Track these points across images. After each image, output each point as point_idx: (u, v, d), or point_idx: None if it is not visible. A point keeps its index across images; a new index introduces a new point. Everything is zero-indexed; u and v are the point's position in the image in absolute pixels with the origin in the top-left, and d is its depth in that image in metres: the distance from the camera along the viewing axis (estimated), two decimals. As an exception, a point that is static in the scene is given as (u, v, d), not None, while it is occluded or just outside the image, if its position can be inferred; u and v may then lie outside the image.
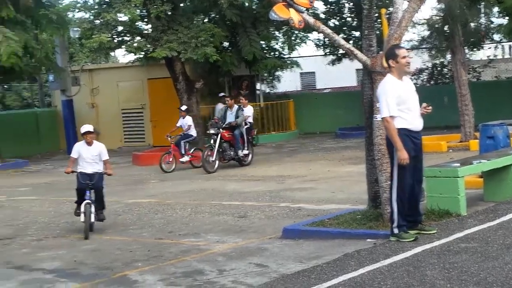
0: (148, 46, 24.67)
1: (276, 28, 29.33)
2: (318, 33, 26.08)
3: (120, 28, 25.33)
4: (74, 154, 13.20)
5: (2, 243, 12.66)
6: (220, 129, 21.60)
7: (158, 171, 21.89)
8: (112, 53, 37.20)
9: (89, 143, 13.10)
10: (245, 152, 22.17)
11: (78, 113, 31.83)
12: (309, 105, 33.05)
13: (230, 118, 22.12)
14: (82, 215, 12.67)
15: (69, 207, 16.06)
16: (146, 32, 25.63)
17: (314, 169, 20.10)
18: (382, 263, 8.55)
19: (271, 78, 33.94)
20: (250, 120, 22.96)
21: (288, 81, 39.49)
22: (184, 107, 23.46)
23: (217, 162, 21.33)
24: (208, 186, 18.40)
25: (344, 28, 31.28)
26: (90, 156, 13.06)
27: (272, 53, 31.62)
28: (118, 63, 39.83)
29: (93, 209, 12.81)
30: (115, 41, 25.22)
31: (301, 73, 46.38)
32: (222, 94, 29.09)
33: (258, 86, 31.58)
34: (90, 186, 12.95)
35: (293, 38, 31.26)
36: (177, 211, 14.73)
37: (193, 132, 22.99)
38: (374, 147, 10.71)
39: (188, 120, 22.98)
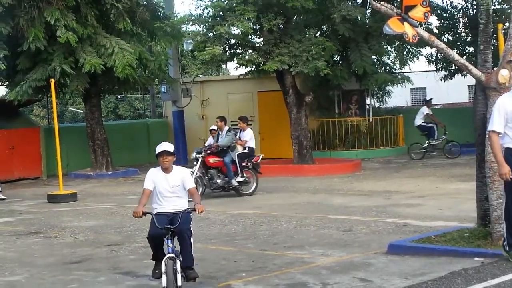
0: (260, 59, 24.82)
1: (388, 43, 29.13)
2: (431, 47, 25.83)
3: (232, 41, 25.59)
4: (148, 185, 9.54)
5: (110, 249, 12.90)
6: (201, 154, 19.64)
7: (265, 182, 21.92)
8: (223, 66, 37.62)
9: (167, 169, 9.51)
10: (239, 179, 19.77)
11: (188, 124, 32.27)
12: (419, 121, 32.63)
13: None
14: (164, 278, 8.87)
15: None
16: (258, 45, 25.81)
17: (422, 186, 19.82)
18: (489, 282, 8.36)
19: (381, 92, 33.68)
20: (250, 144, 20.40)
21: (398, 96, 39.12)
22: (214, 126, 21.35)
23: (200, 189, 18.74)
24: (314, 199, 18.35)
25: (457, 43, 30.83)
26: (168, 187, 9.50)
27: (383, 68, 31.40)
28: (229, 75, 40.26)
29: (179, 266, 8.98)
30: (227, 53, 25.48)
31: (411, 88, 45.94)
32: (430, 98, 29.04)
33: (368, 100, 31.39)
34: (171, 232, 9.22)
35: (405, 53, 30.93)
36: (282, 223, 14.73)
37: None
38: (485, 164, 10.50)
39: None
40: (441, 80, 33.38)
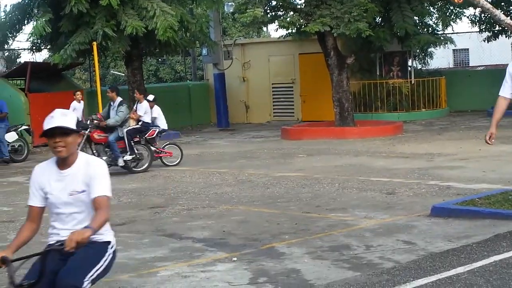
0: (301, 20, 24.69)
1: (430, 4, 28.79)
2: (475, 8, 25.43)
3: (273, 3, 25.47)
4: (33, 199, 5.53)
5: (154, 211, 13.02)
6: (89, 129, 17.88)
7: (306, 145, 21.94)
8: (264, 28, 37.45)
9: (64, 162, 5.45)
10: (127, 158, 18.14)
11: (229, 86, 32.30)
12: (462, 83, 32.34)
13: (113, 114, 18.30)
14: None
15: (219, 179, 16.42)
16: (299, 6, 25.67)
17: (465, 148, 19.67)
18: (535, 245, 8.31)
19: (423, 54, 33.38)
20: (146, 119, 18.92)
21: (440, 58, 38.72)
22: (151, 97, 20.07)
23: None
24: (356, 162, 18.31)
25: (502, 3, 30.39)
26: (65, 195, 5.41)
27: (425, 29, 31.08)
28: (270, 38, 40.12)
29: None
30: (269, 15, 25.38)
31: (454, 50, 45.44)
32: None
33: (409, 62, 31.14)
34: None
35: (447, 13, 30.57)
36: (325, 185, 14.73)
37: (162, 124, 19.94)
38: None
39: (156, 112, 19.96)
40: (484, 41, 33.00)
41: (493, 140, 9.77)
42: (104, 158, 17.64)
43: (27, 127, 23.33)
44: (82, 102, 22.50)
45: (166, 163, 19.45)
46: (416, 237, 9.77)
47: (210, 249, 9.89)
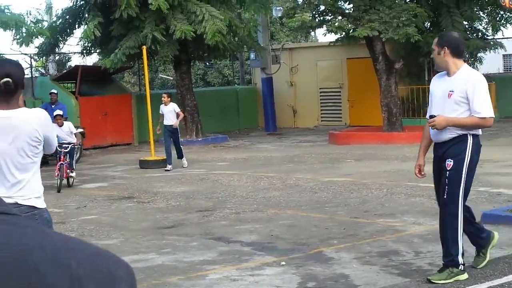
0: (349, 25, 24.66)
1: (480, 8, 28.57)
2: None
3: (322, 7, 25.48)
4: None
5: (202, 214, 13.08)
6: None
7: (354, 149, 21.87)
8: (312, 33, 37.47)
9: None
10: None
11: (277, 91, 32.34)
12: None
13: None
14: None
15: (266, 183, 16.45)
16: (347, 11, 25.64)
17: (516, 154, 19.49)
18: None
19: (472, 59, 33.10)
20: None
21: (489, 63, 38.37)
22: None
23: None
24: (404, 167, 18.19)
25: (553, 8, 30.06)
26: None
27: (475, 34, 30.83)
28: (318, 42, 40.09)
29: None
30: (317, 20, 25.39)
31: (504, 55, 45.01)
32: None
33: (458, 67, 30.87)
34: None
35: (497, 18, 30.32)
36: (373, 191, 14.69)
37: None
38: None
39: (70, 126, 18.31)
40: (535, 46, 32.68)
41: (423, 173, 8.63)
42: None
43: (82, 130, 23.50)
44: (171, 104, 21.31)
45: None
46: (466, 244, 9.66)
47: (258, 253, 9.91)
